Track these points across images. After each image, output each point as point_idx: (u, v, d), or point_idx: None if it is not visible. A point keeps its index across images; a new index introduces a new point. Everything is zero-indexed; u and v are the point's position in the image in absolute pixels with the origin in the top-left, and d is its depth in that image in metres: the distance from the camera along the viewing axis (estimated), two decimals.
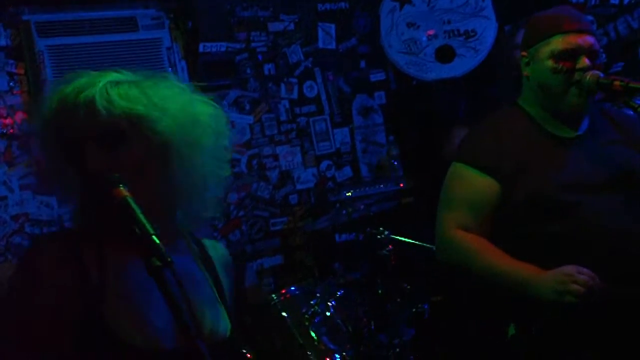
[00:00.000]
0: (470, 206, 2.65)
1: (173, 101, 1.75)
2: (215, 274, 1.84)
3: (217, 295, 1.81)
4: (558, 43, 2.62)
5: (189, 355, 1.57)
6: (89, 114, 1.66)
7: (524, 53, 2.73)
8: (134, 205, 1.57)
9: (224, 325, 1.79)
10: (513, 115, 2.78)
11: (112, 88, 1.71)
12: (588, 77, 2.57)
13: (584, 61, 2.58)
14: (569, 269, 2.42)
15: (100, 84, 1.70)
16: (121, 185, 1.60)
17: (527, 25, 2.80)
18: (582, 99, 2.61)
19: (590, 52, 2.61)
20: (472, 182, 2.67)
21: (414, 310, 3.99)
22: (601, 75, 2.60)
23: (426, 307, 4.00)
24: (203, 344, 1.54)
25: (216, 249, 1.91)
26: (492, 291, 2.74)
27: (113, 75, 1.74)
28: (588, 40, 2.62)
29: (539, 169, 2.60)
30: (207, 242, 1.92)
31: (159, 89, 1.75)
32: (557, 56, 2.61)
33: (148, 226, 1.52)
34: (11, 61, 4.56)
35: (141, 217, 1.55)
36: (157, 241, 1.50)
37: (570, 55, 2.60)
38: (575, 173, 2.59)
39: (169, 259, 1.49)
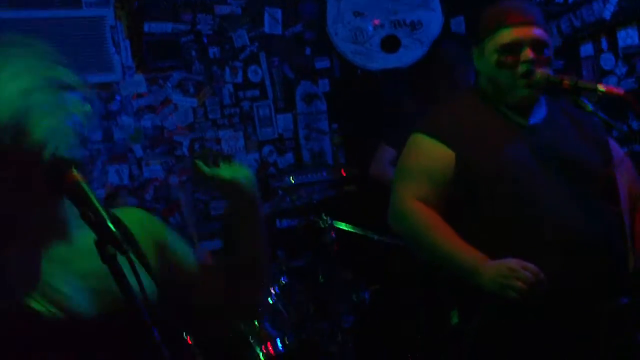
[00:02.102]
0: (427, 176, 2.64)
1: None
2: (135, 243, 1.80)
3: (139, 263, 1.77)
4: (502, 37, 2.63)
5: (108, 322, 1.62)
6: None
7: (475, 48, 2.76)
8: (88, 190, 1.54)
9: (149, 289, 1.68)
10: (470, 99, 2.81)
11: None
12: (538, 74, 2.60)
13: (527, 53, 2.60)
14: (514, 263, 2.42)
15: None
16: (74, 169, 1.58)
17: (476, 21, 2.83)
18: (530, 91, 2.64)
19: (535, 44, 2.62)
20: (429, 151, 2.66)
21: (354, 298, 4.01)
22: (551, 73, 2.64)
23: (367, 295, 4.02)
24: (156, 331, 1.52)
25: (128, 215, 1.86)
26: (437, 271, 2.74)
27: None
28: (533, 32, 2.63)
29: (494, 146, 2.62)
30: (120, 212, 1.88)
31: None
32: (501, 50, 2.63)
33: (103, 212, 1.51)
34: None
35: (96, 202, 1.53)
36: (113, 228, 1.48)
37: (513, 48, 2.62)
38: (527, 157, 2.62)
39: (125, 247, 1.48)
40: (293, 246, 4.78)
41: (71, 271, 1.68)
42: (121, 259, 1.50)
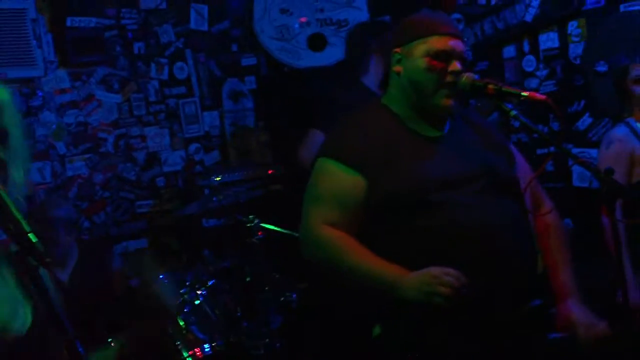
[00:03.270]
0: (337, 202, 2.62)
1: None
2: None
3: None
4: (434, 43, 2.66)
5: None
6: None
7: (397, 50, 2.76)
8: (7, 200, 1.52)
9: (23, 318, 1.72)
10: (378, 113, 2.79)
11: None
12: (463, 78, 2.64)
13: (456, 65, 2.66)
14: (435, 270, 2.44)
15: None
16: None
17: (401, 24, 2.85)
18: (450, 101, 2.68)
19: (461, 57, 2.70)
20: (338, 178, 2.64)
21: (282, 298, 4.01)
22: (476, 77, 2.69)
23: (294, 295, 4.03)
24: (79, 342, 1.51)
25: None
26: (357, 291, 2.71)
27: None
28: (460, 45, 2.71)
29: (405, 165, 2.62)
30: None
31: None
32: (433, 55, 2.66)
33: (23, 223, 1.48)
34: None
35: (16, 213, 1.50)
36: (34, 239, 1.46)
37: (444, 56, 2.66)
38: (439, 169, 2.64)
39: (47, 259, 1.46)
40: (219, 246, 4.76)
41: None
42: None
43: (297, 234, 4.06)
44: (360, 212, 2.61)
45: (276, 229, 4.16)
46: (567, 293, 2.72)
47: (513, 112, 2.71)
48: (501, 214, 2.63)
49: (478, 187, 2.64)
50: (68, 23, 4.93)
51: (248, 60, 5.69)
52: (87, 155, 5.00)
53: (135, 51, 5.23)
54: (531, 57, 4.87)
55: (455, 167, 2.66)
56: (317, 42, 5.59)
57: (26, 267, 1.46)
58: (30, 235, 1.47)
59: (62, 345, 1.50)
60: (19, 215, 1.49)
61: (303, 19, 5.57)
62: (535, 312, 2.65)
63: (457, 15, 5.21)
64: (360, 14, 5.61)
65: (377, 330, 2.68)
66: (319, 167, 2.73)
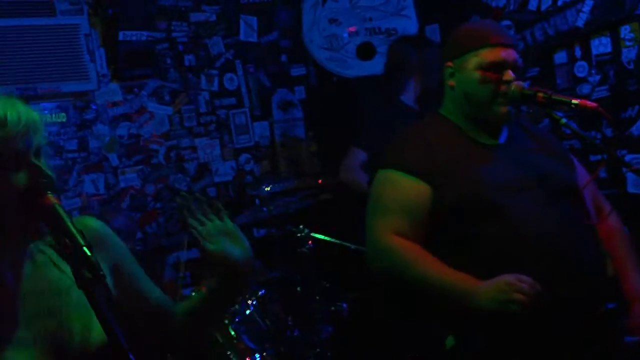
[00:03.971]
0: (404, 211, 2.63)
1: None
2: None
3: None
4: (486, 55, 2.68)
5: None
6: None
7: (449, 64, 2.77)
8: (63, 214, 1.54)
9: (98, 331, 1.70)
10: (437, 122, 2.82)
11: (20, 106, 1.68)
12: (513, 87, 2.65)
13: (509, 74, 2.67)
14: (509, 277, 2.43)
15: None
16: (49, 192, 1.57)
17: (451, 37, 2.85)
18: (505, 109, 2.69)
19: (514, 66, 2.70)
20: (403, 187, 2.65)
21: (332, 308, 4.01)
22: (525, 86, 2.68)
23: (345, 305, 4.02)
24: (132, 355, 1.51)
25: (83, 224, 1.84)
26: (427, 301, 2.70)
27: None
28: (512, 54, 2.71)
29: (468, 172, 2.63)
30: (75, 221, 1.87)
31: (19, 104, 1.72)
32: (485, 67, 2.68)
33: (79, 237, 1.50)
34: None
35: (71, 227, 1.52)
36: (89, 253, 1.48)
37: (497, 67, 2.67)
38: (501, 176, 2.65)
39: (101, 272, 1.47)
40: (270, 256, 4.77)
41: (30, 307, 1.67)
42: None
43: (347, 244, 4.10)
44: (426, 220, 2.62)
45: (326, 238, 4.15)
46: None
47: (563, 120, 2.70)
48: (565, 220, 2.62)
49: (541, 193, 2.64)
50: (120, 37, 5.01)
51: (297, 71, 5.71)
52: (139, 167, 5.07)
53: (186, 63, 5.29)
54: (583, 62, 4.79)
55: (517, 174, 2.67)
56: (366, 51, 5.59)
57: (81, 281, 1.47)
58: (85, 249, 1.48)
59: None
60: (74, 229, 1.51)
61: (352, 29, 5.57)
62: (610, 315, 2.62)
63: (506, 22, 5.15)
64: (409, 22, 5.59)
65: (450, 341, 2.65)
66: (382, 179, 2.75)
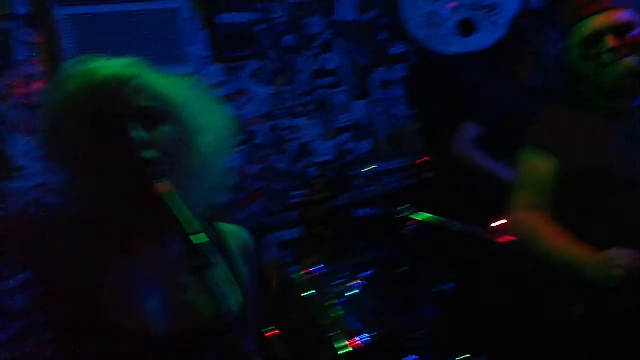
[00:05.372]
0: (535, 186, 2.80)
1: (200, 97, 1.79)
2: (230, 258, 1.80)
3: (231, 277, 1.78)
4: (582, 30, 2.64)
5: (183, 341, 1.64)
6: (135, 91, 1.63)
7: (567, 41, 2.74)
8: (176, 201, 1.54)
9: (235, 302, 1.74)
10: (569, 100, 2.87)
11: (153, 72, 1.70)
12: (622, 64, 2.57)
13: (609, 41, 2.58)
14: (613, 252, 2.52)
15: (138, 66, 1.69)
16: (162, 178, 1.57)
17: (563, 10, 2.83)
18: (618, 77, 2.60)
19: (617, 28, 2.59)
20: (534, 163, 2.80)
21: (438, 288, 3.96)
22: (636, 62, 2.58)
23: (450, 286, 3.97)
24: (249, 343, 1.51)
25: (235, 236, 1.87)
26: (556, 273, 2.81)
27: (139, 60, 1.72)
28: (613, 17, 2.60)
29: (595, 145, 2.67)
30: (226, 227, 1.88)
31: (187, 85, 1.78)
32: (583, 44, 2.63)
33: (192, 223, 1.50)
34: (30, 30, 4.51)
35: (184, 214, 1.52)
36: (200, 240, 1.48)
37: (594, 39, 2.60)
38: (628, 147, 2.65)
39: (211, 260, 1.47)
40: (372, 236, 4.74)
41: (160, 281, 1.68)
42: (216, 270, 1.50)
43: (451, 224, 4.04)
44: (555, 192, 2.78)
45: (430, 217, 4.09)
46: None
47: None
48: None
49: None
50: (220, 19, 5.04)
51: (397, 49, 5.63)
52: (240, 148, 5.10)
53: (285, 43, 5.29)
54: None
55: None
56: (466, 28, 5.48)
57: (193, 266, 1.48)
58: (199, 236, 1.48)
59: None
60: (189, 215, 1.52)
61: (452, 4, 5.47)
62: None
63: None
64: None
65: (580, 309, 2.74)
66: (520, 159, 2.91)
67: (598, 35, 2.59)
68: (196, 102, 1.75)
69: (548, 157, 2.76)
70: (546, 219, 2.78)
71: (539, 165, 2.79)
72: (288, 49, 5.29)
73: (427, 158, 4.88)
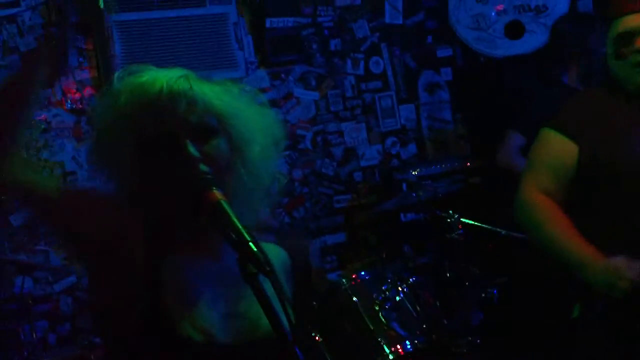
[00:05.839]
0: (550, 168, 2.73)
1: (249, 104, 1.77)
2: (274, 274, 1.81)
3: (277, 293, 1.78)
4: (616, 28, 2.62)
5: (245, 350, 1.64)
6: (187, 106, 1.64)
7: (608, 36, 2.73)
8: (229, 210, 1.56)
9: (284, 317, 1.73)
10: (601, 88, 2.84)
11: (203, 83, 1.71)
12: None
13: (638, 42, 2.57)
14: (619, 262, 2.47)
15: (189, 78, 1.70)
16: (214, 188, 1.59)
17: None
18: None
19: None
20: (553, 145, 2.74)
21: (482, 294, 3.94)
22: None
23: (495, 291, 3.94)
24: (298, 349, 1.52)
25: (275, 254, 1.85)
26: (555, 267, 2.76)
27: (188, 72, 1.73)
28: None
29: (617, 138, 2.64)
30: (266, 246, 1.89)
31: (236, 92, 1.77)
32: (616, 41, 2.63)
33: (245, 232, 1.52)
34: (80, 37, 4.59)
35: (237, 222, 1.54)
36: (255, 248, 1.49)
37: (626, 38, 2.60)
38: None
39: (267, 267, 1.48)
40: (418, 241, 4.73)
41: (218, 292, 1.70)
42: (264, 282, 1.51)
43: (497, 229, 4.02)
44: (570, 179, 2.71)
45: (476, 223, 4.08)
46: None
47: None
48: None
49: None
50: (267, 24, 5.07)
51: (444, 52, 5.62)
52: (286, 152, 5.13)
53: (332, 48, 5.30)
54: None
55: None
56: (514, 30, 5.43)
57: (246, 275, 1.49)
58: (251, 244, 1.50)
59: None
60: (239, 225, 1.53)
61: (500, 7, 5.42)
62: None
63: None
64: None
65: (576, 310, 2.70)
66: (539, 136, 2.84)
67: (630, 35, 2.59)
68: (245, 110, 1.74)
69: (569, 143, 2.68)
70: (556, 207, 2.70)
71: (558, 148, 2.72)
72: (334, 53, 5.30)
73: (469, 164, 4.85)
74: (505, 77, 5.34)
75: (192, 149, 1.62)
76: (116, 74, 1.72)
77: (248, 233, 1.51)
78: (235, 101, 1.74)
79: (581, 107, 2.79)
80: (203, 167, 1.61)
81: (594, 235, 2.58)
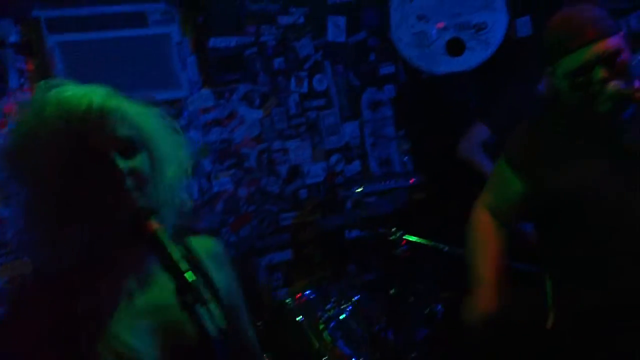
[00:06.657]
0: (497, 194, 2.86)
1: (165, 127, 1.81)
2: (204, 273, 1.81)
3: (208, 295, 1.79)
4: (570, 62, 2.52)
5: None
6: (117, 121, 1.65)
7: (549, 67, 2.65)
8: (166, 240, 1.57)
9: (214, 324, 1.69)
10: (550, 115, 2.79)
11: (127, 101, 1.73)
12: (609, 88, 2.51)
13: (601, 72, 2.50)
14: (484, 294, 2.71)
15: (116, 95, 1.71)
16: (152, 217, 1.60)
17: (545, 37, 2.71)
18: (608, 105, 2.55)
19: (608, 56, 2.51)
20: (501, 174, 2.83)
21: (427, 310, 3.98)
22: (622, 86, 2.53)
23: (439, 307, 3.99)
24: None
25: (202, 245, 1.87)
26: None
27: (110, 89, 1.74)
28: (604, 45, 2.51)
29: (568, 166, 2.64)
30: (193, 240, 1.89)
31: (155, 113, 1.79)
32: (572, 74, 2.54)
33: (180, 263, 1.53)
34: (21, 57, 4.54)
35: (174, 252, 1.55)
36: (191, 278, 1.51)
37: (584, 69, 2.52)
38: (605, 171, 2.59)
39: (203, 296, 1.50)
40: (363, 258, 4.77)
41: (139, 307, 1.70)
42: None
43: (440, 245, 4.06)
44: (519, 204, 2.79)
45: (419, 240, 4.12)
46: None
47: None
48: None
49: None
50: (210, 44, 5.08)
51: (386, 69, 5.68)
52: (231, 171, 5.13)
53: (275, 66, 5.33)
54: None
55: (624, 167, 2.57)
56: (455, 47, 5.51)
57: (184, 305, 1.51)
58: (187, 275, 1.52)
59: None
60: (176, 255, 1.55)
61: (440, 25, 5.50)
62: None
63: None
64: (499, 15, 5.49)
65: (550, 321, 2.77)
66: (496, 163, 2.94)
67: (588, 65, 2.50)
68: (162, 131, 1.77)
69: (513, 176, 2.76)
70: (490, 226, 2.86)
71: (506, 178, 2.79)
72: (278, 72, 5.33)
73: (412, 181, 4.90)
74: (447, 93, 5.42)
75: (121, 163, 1.63)
76: (38, 86, 1.70)
77: (186, 260, 1.53)
78: (155, 121, 1.76)
79: (530, 135, 2.78)
80: (130, 182, 1.62)
81: (574, 265, 2.63)
